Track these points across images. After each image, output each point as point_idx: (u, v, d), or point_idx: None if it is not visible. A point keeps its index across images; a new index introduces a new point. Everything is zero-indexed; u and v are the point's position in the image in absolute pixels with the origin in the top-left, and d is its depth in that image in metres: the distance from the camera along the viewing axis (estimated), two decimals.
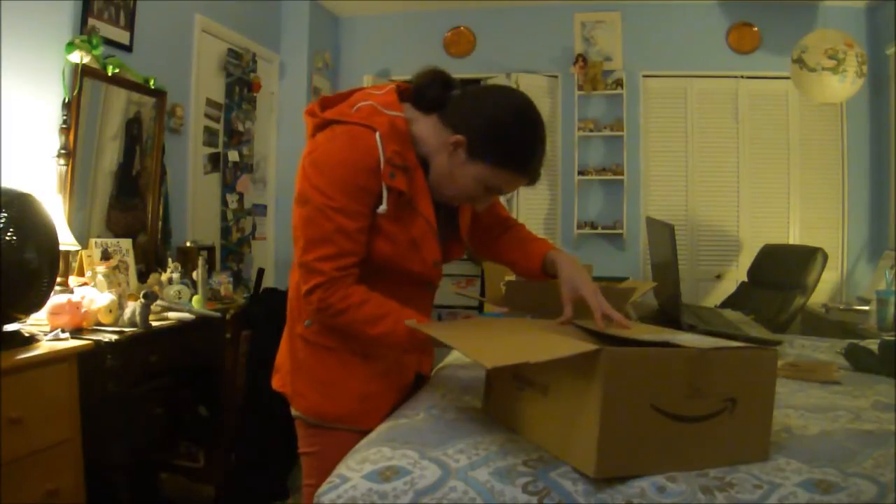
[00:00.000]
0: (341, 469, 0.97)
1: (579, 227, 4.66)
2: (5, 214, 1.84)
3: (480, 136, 1.18)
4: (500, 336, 1.12)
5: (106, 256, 2.62)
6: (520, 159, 1.20)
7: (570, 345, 0.92)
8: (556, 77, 4.75)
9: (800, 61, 3.75)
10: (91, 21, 2.72)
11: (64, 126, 2.60)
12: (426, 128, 1.24)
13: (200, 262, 2.99)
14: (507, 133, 1.18)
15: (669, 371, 0.90)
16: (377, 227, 1.21)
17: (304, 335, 1.31)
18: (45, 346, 1.95)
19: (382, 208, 1.18)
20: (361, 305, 1.18)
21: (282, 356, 1.39)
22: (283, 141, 4.53)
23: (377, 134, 1.17)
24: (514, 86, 4.58)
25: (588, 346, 0.88)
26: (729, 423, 0.93)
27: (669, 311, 2.09)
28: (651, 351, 0.91)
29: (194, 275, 2.97)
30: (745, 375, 0.95)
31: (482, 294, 4.16)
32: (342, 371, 1.28)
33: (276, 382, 1.39)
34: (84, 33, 2.67)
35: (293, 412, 1.34)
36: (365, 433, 1.17)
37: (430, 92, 1.25)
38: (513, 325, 1.22)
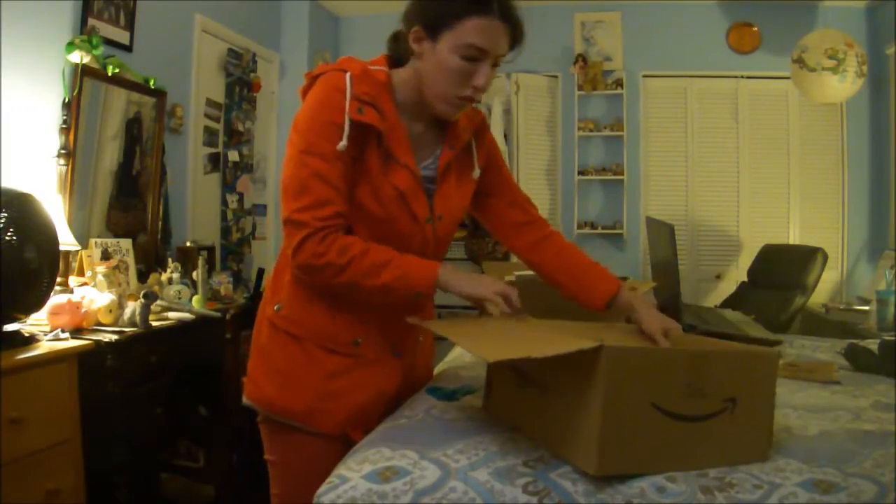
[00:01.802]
0: (341, 469, 0.97)
1: (579, 227, 4.65)
2: (5, 214, 1.84)
3: (429, 11, 1.16)
4: (502, 332, 1.12)
5: (106, 256, 2.62)
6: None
7: (570, 341, 0.92)
8: (556, 77, 4.74)
9: (800, 61, 3.75)
10: (91, 21, 2.72)
11: (64, 126, 2.60)
12: (404, 72, 1.24)
13: (200, 262, 2.99)
14: None
15: (670, 370, 0.90)
16: (365, 181, 1.18)
17: (272, 319, 1.24)
18: (45, 346, 1.95)
19: (342, 144, 1.14)
20: (365, 255, 1.12)
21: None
22: (282, 141, 4.49)
23: (347, 74, 1.17)
24: (513, 86, 4.58)
25: (589, 343, 0.88)
26: (729, 422, 0.93)
27: (669, 311, 2.08)
28: (651, 349, 0.92)
29: (194, 275, 2.97)
30: (746, 375, 0.95)
31: None
32: (305, 363, 1.21)
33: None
34: (84, 33, 2.67)
35: (244, 400, 1.25)
36: (324, 437, 1.16)
37: (401, 46, 1.24)
38: (514, 323, 1.23)
